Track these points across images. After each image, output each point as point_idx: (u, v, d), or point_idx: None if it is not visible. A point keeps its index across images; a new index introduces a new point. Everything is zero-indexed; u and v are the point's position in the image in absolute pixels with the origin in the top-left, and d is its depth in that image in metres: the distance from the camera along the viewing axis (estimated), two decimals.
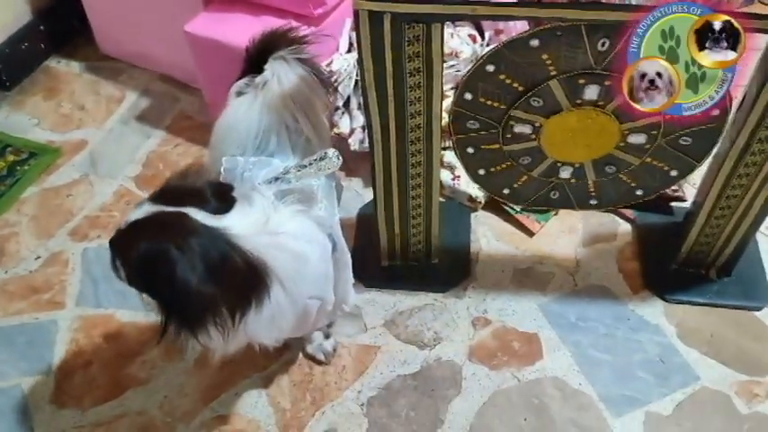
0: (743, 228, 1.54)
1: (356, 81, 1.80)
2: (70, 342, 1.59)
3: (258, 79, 1.41)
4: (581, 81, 1.27)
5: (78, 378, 1.53)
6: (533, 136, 1.39)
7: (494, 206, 1.80)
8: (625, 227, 1.78)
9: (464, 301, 1.65)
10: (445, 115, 1.39)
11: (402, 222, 1.60)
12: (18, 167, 1.93)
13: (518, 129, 1.38)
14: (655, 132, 1.35)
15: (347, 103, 1.84)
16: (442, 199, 1.84)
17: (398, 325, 1.61)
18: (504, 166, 1.48)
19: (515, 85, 1.30)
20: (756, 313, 1.62)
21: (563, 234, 1.77)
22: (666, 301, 1.64)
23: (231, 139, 1.40)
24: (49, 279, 1.70)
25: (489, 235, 1.77)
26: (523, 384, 1.51)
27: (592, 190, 1.52)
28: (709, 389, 1.51)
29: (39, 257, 1.74)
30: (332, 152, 1.29)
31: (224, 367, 1.52)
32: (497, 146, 1.42)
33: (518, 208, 1.78)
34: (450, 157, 1.79)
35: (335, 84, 1.78)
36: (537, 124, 1.36)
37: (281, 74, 1.40)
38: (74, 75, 2.20)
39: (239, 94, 1.44)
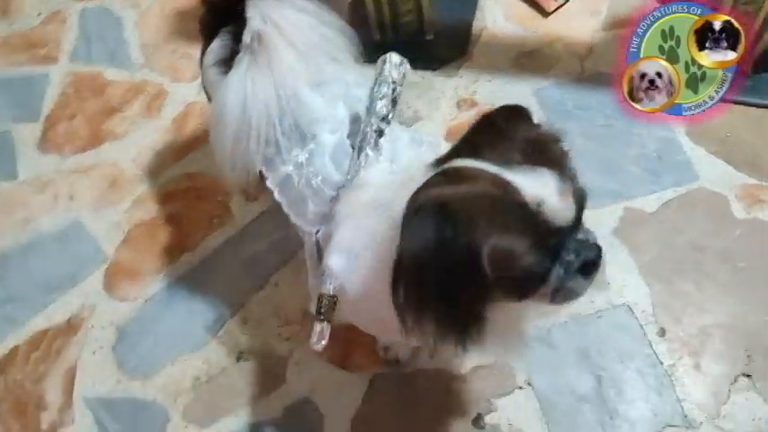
0: None
1: None
2: (60, 95, 1.63)
3: (246, 37, 0.97)
4: None
5: (62, 128, 1.58)
6: None
7: None
8: None
9: (453, 81, 1.52)
10: None
11: None
12: None
13: None
14: None
15: None
16: None
17: None
18: None
19: None
20: None
21: (583, 16, 1.56)
22: None
23: (246, 135, 0.98)
24: (48, 35, 1.71)
25: (497, 13, 1.59)
26: None
27: None
28: (706, 189, 1.34)
29: (40, 14, 1.75)
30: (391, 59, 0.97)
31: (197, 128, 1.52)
32: None
33: None
34: None
35: None
36: None
37: (276, 17, 0.97)
38: None
39: (222, 63, 1.02)
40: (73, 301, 1.37)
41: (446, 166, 0.78)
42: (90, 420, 1.26)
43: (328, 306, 0.90)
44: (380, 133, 0.93)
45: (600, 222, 1.32)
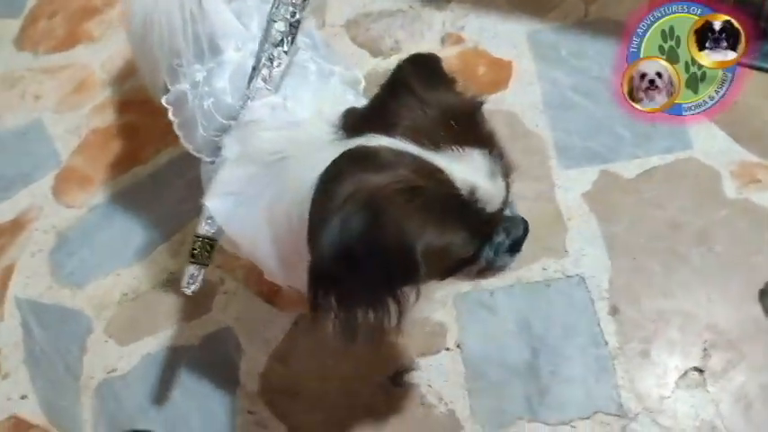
0: None
1: None
2: None
3: None
4: None
5: (41, 25, 1.54)
6: None
7: None
8: None
9: (443, 14, 1.39)
10: None
11: None
12: None
13: None
14: None
15: None
16: None
17: (360, 26, 1.41)
18: None
19: None
20: None
21: None
22: None
23: (153, 44, 0.91)
24: None
25: None
26: None
27: None
28: (698, 161, 1.19)
29: None
30: None
31: None
32: None
33: None
34: None
35: None
36: None
37: None
38: None
39: None
40: (22, 201, 1.35)
41: (358, 143, 0.67)
42: (17, 322, 1.24)
43: (202, 249, 0.83)
44: (273, 61, 0.83)
45: (573, 183, 1.20)
